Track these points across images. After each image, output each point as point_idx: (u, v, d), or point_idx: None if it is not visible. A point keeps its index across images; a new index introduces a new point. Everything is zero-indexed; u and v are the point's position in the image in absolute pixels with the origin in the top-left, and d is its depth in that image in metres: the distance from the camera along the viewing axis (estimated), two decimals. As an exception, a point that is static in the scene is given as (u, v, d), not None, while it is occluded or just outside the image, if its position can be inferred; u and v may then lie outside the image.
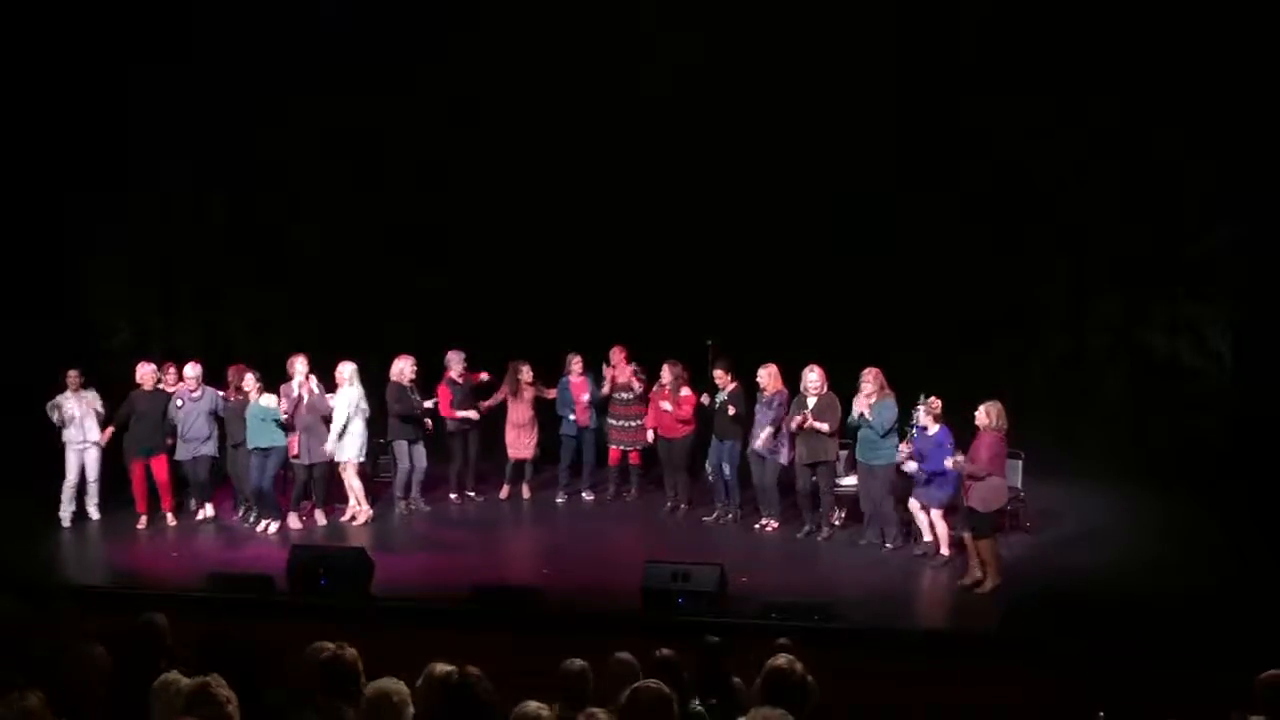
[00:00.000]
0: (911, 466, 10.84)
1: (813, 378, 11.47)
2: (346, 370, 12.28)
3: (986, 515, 10.20)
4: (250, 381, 12.09)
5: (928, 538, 11.07)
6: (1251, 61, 12.19)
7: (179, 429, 12.29)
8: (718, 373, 12.13)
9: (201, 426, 12.29)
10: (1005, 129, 13.39)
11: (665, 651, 5.96)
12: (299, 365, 12.22)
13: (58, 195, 14.19)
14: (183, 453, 12.36)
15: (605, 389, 12.98)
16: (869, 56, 13.35)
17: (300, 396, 12.07)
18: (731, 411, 11.97)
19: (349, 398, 12.25)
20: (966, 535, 10.40)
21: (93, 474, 12.41)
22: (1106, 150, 13.33)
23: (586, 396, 13.05)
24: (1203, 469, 12.53)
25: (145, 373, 12.36)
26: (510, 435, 13.12)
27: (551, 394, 13.16)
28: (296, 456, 12.21)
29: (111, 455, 12.48)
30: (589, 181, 14.34)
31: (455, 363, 12.98)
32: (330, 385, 12.29)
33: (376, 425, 12.71)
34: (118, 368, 13.21)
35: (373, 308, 14.82)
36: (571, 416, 13.10)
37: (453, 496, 13.22)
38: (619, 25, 13.74)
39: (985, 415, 10.25)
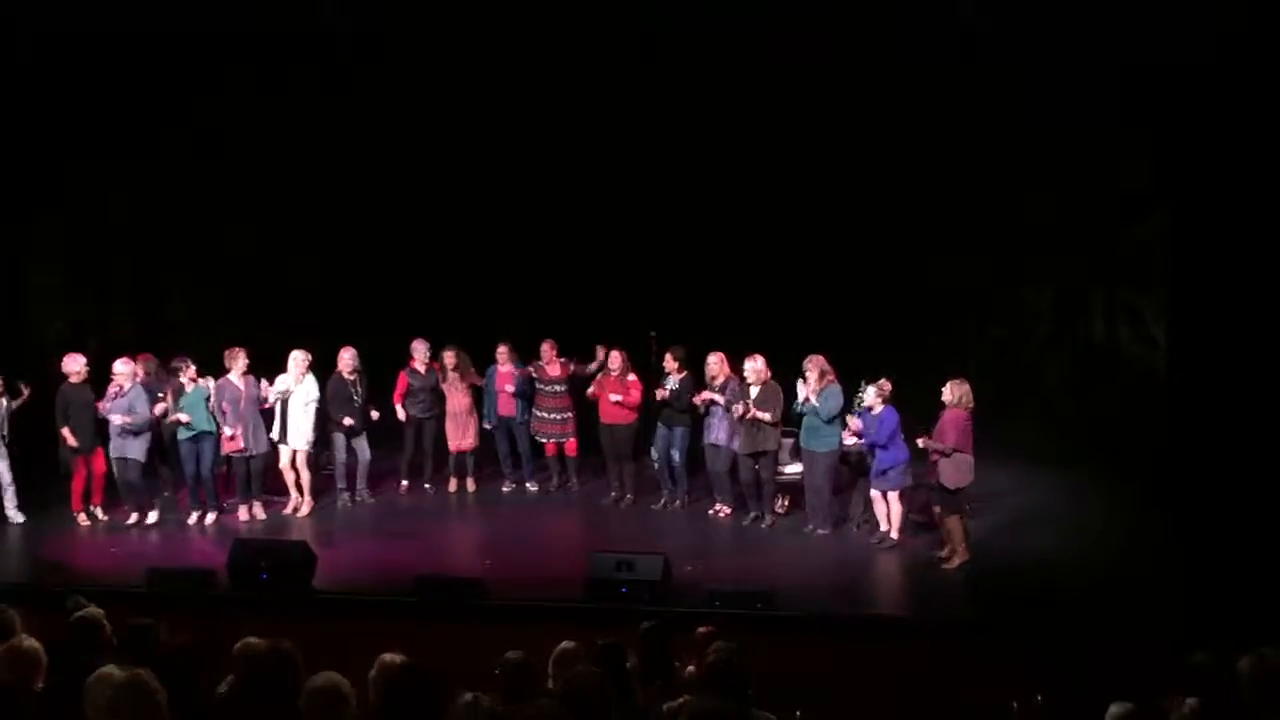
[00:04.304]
0: (850, 440, 11.01)
1: (754, 366, 11.52)
2: (302, 358, 12.25)
3: (954, 492, 10.40)
4: (189, 371, 11.95)
5: (883, 523, 11.15)
6: (1184, 50, 12.32)
7: (110, 425, 12.04)
8: (668, 356, 12.15)
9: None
10: (936, 124, 13.47)
11: (607, 640, 5.97)
12: (241, 359, 12.11)
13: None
14: (114, 450, 12.06)
15: (531, 372, 12.92)
16: (804, 52, 13.36)
17: (244, 389, 11.99)
18: (662, 394, 12.03)
19: (311, 386, 12.28)
20: (936, 510, 10.59)
21: (7, 477, 12.09)
22: (1039, 143, 13.44)
23: (511, 387, 13.01)
24: (1141, 452, 12.69)
25: (76, 366, 12.03)
26: (448, 426, 13.07)
27: (481, 380, 13.13)
28: (242, 450, 12.08)
29: (43, 453, 12.31)
30: (535, 172, 14.30)
31: (419, 351, 12.91)
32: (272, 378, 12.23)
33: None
34: (54, 362, 12.98)
35: (312, 300, 14.68)
36: (508, 387, 13.01)
37: (403, 484, 13.14)
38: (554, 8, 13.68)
39: (950, 393, 10.46)
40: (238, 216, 14.95)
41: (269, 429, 12.27)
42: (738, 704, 5.01)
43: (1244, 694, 5.17)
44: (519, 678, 5.47)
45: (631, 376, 12.43)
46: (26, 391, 12.31)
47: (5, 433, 12.03)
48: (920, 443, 10.56)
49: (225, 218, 14.96)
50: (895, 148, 13.56)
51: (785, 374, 11.53)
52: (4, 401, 12.05)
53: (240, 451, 12.09)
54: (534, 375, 12.96)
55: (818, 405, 11.16)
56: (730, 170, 13.92)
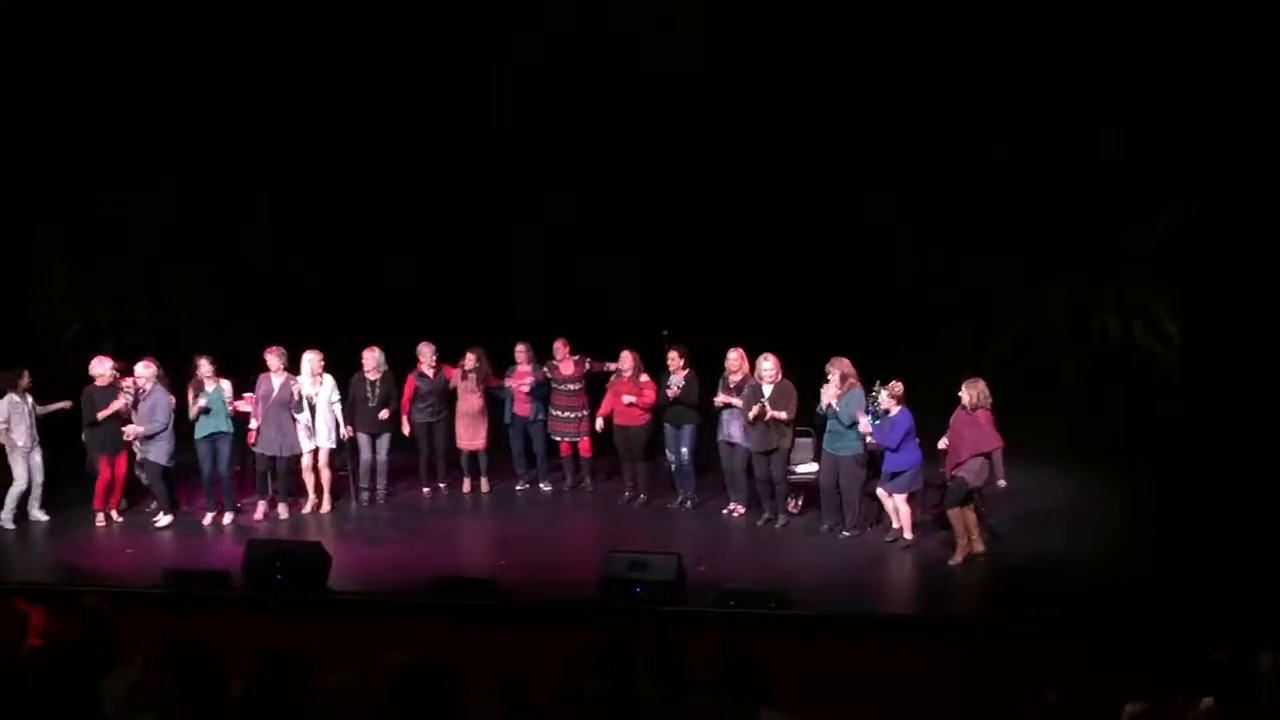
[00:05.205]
0: (864, 424, 10.89)
1: (767, 366, 11.49)
2: (317, 359, 12.29)
3: (967, 488, 10.44)
4: (206, 369, 11.97)
5: (895, 524, 11.13)
6: (1192, 49, 12.28)
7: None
8: (672, 355, 12.13)
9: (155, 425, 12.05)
10: (937, 123, 13.45)
11: (617, 640, 5.95)
12: (274, 357, 12.12)
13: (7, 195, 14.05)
14: (139, 451, 12.17)
15: (545, 372, 12.89)
16: (817, 50, 13.35)
17: (276, 389, 12.02)
18: (672, 392, 12.03)
19: (331, 386, 12.35)
20: (953, 512, 10.58)
21: (39, 476, 12.16)
22: (1050, 140, 13.41)
23: (525, 387, 12.99)
24: (1157, 450, 12.65)
25: (103, 369, 12.07)
26: (459, 426, 13.06)
27: (499, 383, 13.10)
28: (255, 444, 12.14)
29: (66, 454, 12.33)
30: (539, 172, 14.31)
31: (425, 355, 12.90)
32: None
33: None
34: (71, 364, 13.05)
35: (323, 301, 14.69)
36: (524, 385, 12.97)
37: (425, 490, 13.15)
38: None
39: (968, 394, 10.47)
40: (249, 218, 14.97)
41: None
42: (750, 704, 5.00)
43: (1262, 693, 5.15)
44: (523, 679, 5.48)
45: (645, 377, 12.41)
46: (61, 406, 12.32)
47: (35, 433, 12.07)
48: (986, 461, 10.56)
49: (238, 219, 14.99)
50: (899, 147, 13.53)
51: (793, 375, 11.52)
52: (30, 400, 12.10)
53: (255, 446, 12.14)
54: (549, 376, 12.95)
55: (839, 410, 11.13)
56: (739, 169, 13.90)
